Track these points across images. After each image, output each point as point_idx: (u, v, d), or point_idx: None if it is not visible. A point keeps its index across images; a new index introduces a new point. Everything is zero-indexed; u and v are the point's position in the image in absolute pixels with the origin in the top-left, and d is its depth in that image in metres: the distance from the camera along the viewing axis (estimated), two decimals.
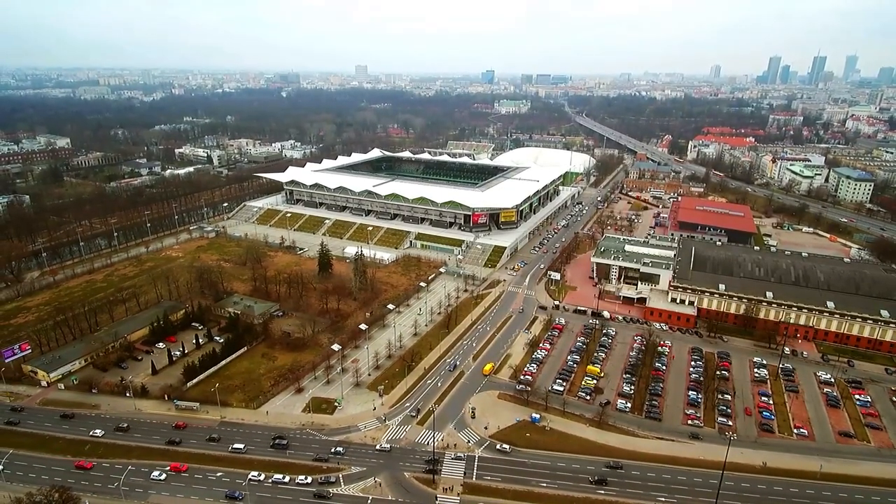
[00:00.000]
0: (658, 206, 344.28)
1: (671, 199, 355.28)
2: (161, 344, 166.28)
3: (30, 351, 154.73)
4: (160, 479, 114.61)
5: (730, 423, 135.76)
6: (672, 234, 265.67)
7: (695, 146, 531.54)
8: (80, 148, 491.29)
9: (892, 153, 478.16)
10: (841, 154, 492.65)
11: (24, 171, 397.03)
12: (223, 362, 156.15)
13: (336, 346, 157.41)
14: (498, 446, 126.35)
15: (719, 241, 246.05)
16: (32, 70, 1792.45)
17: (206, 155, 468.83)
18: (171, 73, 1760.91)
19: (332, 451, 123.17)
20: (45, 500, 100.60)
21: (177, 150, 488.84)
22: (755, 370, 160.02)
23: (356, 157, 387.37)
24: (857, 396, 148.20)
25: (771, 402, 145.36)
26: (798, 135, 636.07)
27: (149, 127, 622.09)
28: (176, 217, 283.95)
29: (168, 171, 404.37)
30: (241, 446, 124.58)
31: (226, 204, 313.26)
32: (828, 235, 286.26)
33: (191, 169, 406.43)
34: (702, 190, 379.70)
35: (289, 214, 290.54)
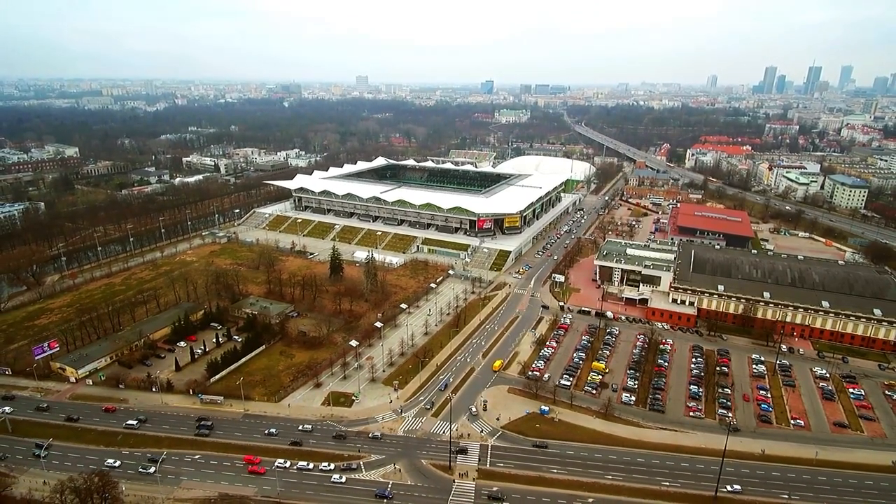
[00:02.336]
0: (658, 213, 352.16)
1: (670, 206, 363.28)
2: (182, 343, 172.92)
3: (58, 349, 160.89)
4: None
5: (730, 414, 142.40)
6: (672, 239, 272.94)
7: (693, 154, 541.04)
8: (89, 157, 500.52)
9: (886, 161, 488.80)
10: (836, 162, 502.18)
11: (35, 180, 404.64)
12: (243, 359, 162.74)
13: (353, 342, 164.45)
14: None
15: (718, 245, 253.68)
16: (34, 81, 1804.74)
17: (213, 164, 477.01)
18: (172, 84, 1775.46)
19: (371, 436, 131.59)
20: (85, 485, 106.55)
21: (184, 159, 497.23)
22: (753, 366, 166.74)
23: (362, 166, 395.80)
24: (851, 390, 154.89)
25: (769, 395, 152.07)
26: (794, 143, 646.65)
27: (154, 136, 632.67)
28: (189, 223, 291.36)
29: (177, 179, 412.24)
30: (135, 422, 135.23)
31: (238, 210, 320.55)
32: (823, 240, 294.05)
33: (199, 177, 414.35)
34: (700, 196, 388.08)
35: (299, 220, 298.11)
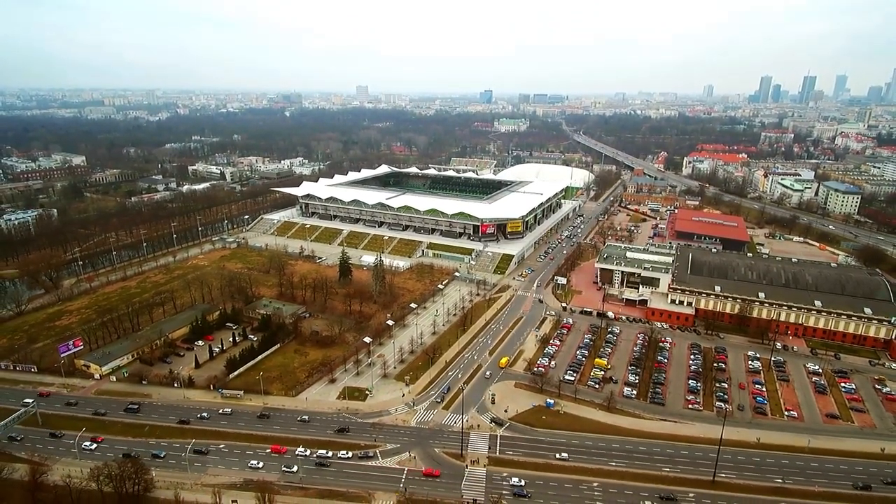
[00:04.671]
0: (656, 218, 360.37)
1: (668, 212, 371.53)
2: (200, 342, 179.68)
3: (81, 347, 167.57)
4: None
5: (728, 406, 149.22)
6: (670, 243, 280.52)
7: (690, 162, 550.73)
8: (95, 165, 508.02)
9: (879, 168, 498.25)
10: (830, 169, 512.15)
11: (45, 188, 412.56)
12: (260, 357, 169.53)
13: (367, 339, 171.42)
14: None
15: (714, 248, 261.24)
16: (35, 91, 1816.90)
17: (218, 172, 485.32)
18: (173, 94, 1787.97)
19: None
20: (118, 471, 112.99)
21: (190, 168, 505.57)
22: (749, 363, 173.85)
23: (366, 173, 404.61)
24: (842, 384, 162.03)
25: (764, 389, 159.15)
26: (789, 151, 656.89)
27: (159, 146, 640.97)
28: (200, 229, 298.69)
29: (185, 186, 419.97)
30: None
31: (247, 217, 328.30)
32: (817, 244, 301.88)
33: (206, 185, 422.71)
34: (697, 203, 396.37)
35: (307, 226, 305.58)
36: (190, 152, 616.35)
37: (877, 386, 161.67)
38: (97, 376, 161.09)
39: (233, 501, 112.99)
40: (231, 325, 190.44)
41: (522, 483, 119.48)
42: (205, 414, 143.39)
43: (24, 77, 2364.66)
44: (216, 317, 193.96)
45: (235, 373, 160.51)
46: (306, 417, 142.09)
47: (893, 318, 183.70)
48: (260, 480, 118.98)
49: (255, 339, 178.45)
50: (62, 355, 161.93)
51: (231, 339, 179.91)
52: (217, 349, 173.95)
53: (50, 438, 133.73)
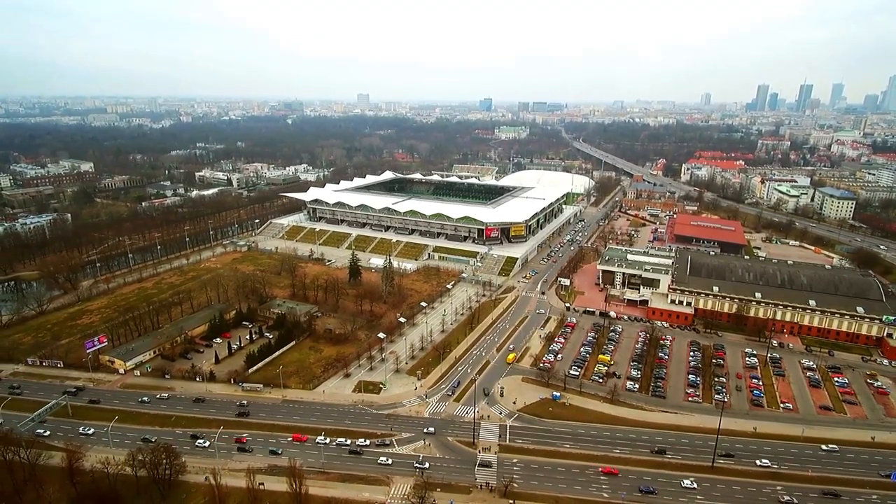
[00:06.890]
0: (655, 223, 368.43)
1: (667, 217, 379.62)
2: (218, 339, 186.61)
3: (106, 343, 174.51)
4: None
5: (725, 399, 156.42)
6: (669, 246, 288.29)
7: (688, 169, 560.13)
8: (103, 171, 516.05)
9: (874, 174, 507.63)
10: (826, 175, 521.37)
11: (56, 193, 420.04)
12: (277, 353, 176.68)
13: (381, 335, 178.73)
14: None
15: (713, 252, 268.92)
16: (37, 98, 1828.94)
17: (225, 178, 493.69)
18: (175, 101, 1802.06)
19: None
20: (152, 456, 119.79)
21: (197, 174, 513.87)
22: (746, 359, 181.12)
23: (371, 179, 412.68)
24: (836, 379, 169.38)
25: (761, 383, 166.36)
26: (786, 158, 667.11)
27: (164, 152, 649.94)
28: (211, 232, 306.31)
29: (194, 192, 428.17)
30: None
31: (256, 221, 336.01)
32: (812, 248, 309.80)
33: (214, 190, 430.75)
34: (696, 208, 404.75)
35: (316, 230, 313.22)
36: (195, 159, 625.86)
37: (868, 381, 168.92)
38: (122, 371, 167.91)
39: (259, 484, 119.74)
40: (247, 323, 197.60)
41: (692, 484, 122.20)
42: (145, 398, 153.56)
43: (24, 85, 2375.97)
44: (232, 316, 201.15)
45: (255, 367, 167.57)
46: (245, 402, 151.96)
47: (885, 317, 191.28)
48: (285, 466, 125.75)
49: (271, 336, 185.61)
50: (88, 351, 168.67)
51: (248, 337, 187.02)
52: (235, 346, 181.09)
53: (81, 429, 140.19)
